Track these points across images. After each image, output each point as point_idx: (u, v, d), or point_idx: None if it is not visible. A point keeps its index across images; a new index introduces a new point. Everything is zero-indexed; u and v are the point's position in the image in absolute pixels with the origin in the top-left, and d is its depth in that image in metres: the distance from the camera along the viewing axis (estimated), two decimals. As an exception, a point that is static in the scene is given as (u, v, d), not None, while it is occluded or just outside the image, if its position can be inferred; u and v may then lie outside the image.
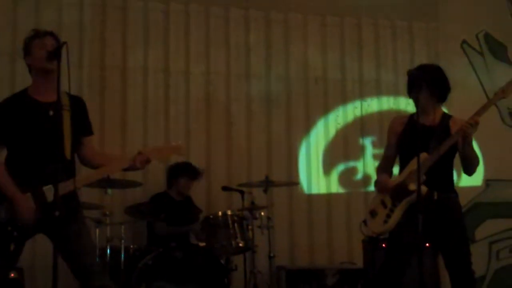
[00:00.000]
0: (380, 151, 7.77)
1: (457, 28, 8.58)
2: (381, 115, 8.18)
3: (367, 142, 8.20)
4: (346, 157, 8.17)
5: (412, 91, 4.94)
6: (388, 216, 4.88)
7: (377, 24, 8.44)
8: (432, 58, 8.33)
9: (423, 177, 4.65)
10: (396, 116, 5.46)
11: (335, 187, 8.09)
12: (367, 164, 8.10)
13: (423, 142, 4.73)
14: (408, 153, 4.85)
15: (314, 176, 8.03)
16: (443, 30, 8.51)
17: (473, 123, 4.65)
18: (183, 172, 7.11)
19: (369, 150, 8.17)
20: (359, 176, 8.18)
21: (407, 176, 4.82)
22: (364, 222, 5.07)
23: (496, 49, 8.73)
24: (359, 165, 8.18)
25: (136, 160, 4.42)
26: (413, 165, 4.69)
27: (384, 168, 5.15)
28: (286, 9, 8.18)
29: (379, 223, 4.93)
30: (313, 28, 8.26)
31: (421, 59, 8.24)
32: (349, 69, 8.29)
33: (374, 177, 7.89)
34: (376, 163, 7.86)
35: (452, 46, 8.53)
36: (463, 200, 7.96)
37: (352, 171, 8.17)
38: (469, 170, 4.94)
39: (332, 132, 8.18)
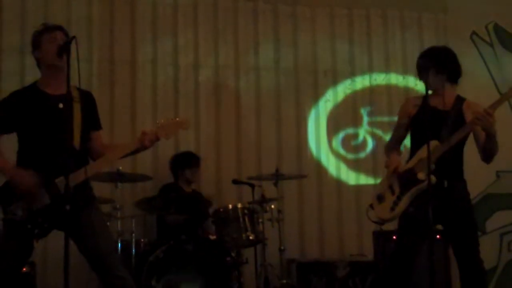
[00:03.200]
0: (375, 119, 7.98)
1: (467, 19, 8.54)
2: (389, 88, 8.31)
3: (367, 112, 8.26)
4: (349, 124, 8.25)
5: (420, 75, 4.94)
6: (395, 203, 4.85)
7: (386, 16, 8.41)
8: (441, 50, 8.30)
9: (432, 166, 4.64)
10: (410, 97, 5.40)
11: (340, 151, 8.12)
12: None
13: (435, 127, 4.74)
14: (420, 138, 4.82)
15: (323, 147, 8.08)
16: (452, 21, 8.48)
17: (482, 116, 4.59)
18: (185, 163, 7.14)
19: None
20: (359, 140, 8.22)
21: (417, 164, 4.82)
22: (371, 206, 5.02)
23: (506, 40, 8.70)
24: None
25: (143, 139, 4.40)
26: (423, 152, 4.67)
27: (392, 148, 5.13)
28: (294, 2, 8.16)
29: (386, 209, 4.89)
30: (321, 21, 8.24)
31: (431, 50, 8.23)
32: (358, 61, 8.28)
33: (370, 141, 8.08)
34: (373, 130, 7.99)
35: (462, 37, 8.49)
36: (474, 191, 7.99)
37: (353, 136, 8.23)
38: (487, 159, 4.93)
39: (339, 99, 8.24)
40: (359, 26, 8.33)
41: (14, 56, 7.12)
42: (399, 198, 4.85)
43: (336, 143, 8.11)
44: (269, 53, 8.03)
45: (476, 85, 8.12)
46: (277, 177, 6.93)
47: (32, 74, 4.68)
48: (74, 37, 4.07)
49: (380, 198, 4.98)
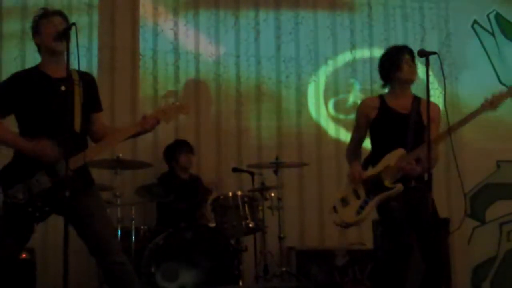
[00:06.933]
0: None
1: (468, 9, 8.52)
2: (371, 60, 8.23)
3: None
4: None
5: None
6: (362, 207, 4.92)
7: (387, 5, 8.39)
8: (443, 39, 8.30)
9: (398, 175, 4.84)
10: (366, 98, 5.50)
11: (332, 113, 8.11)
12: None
13: (400, 132, 4.88)
14: (383, 144, 4.96)
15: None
16: (454, 11, 8.46)
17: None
18: (179, 149, 7.11)
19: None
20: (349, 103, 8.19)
21: (383, 171, 4.89)
22: (334, 208, 5.08)
23: (507, 29, 8.67)
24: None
25: (144, 123, 4.43)
26: (389, 159, 4.86)
27: (354, 152, 5.19)
28: (296, -10, 8.16)
29: (351, 213, 4.97)
30: (322, 9, 8.22)
31: (432, 39, 8.23)
32: (359, 50, 8.26)
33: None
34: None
35: (463, 27, 8.48)
36: (474, 181, 8.06)
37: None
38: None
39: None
40: (360, 15, 8.30)
41: (14, 42, 7.12)
42: (366, 202, 4.92)
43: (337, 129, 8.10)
44: (269, 40, 8.00)
45: (477, 74, 8.15)
46: (277, 165, 6.94)
47: (33, 62, 4.67)
48: (73, 23, 4.06)
49: (343, 201, 5.04)
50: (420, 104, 4.99)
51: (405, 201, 4.84)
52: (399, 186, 4.84)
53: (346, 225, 5.11)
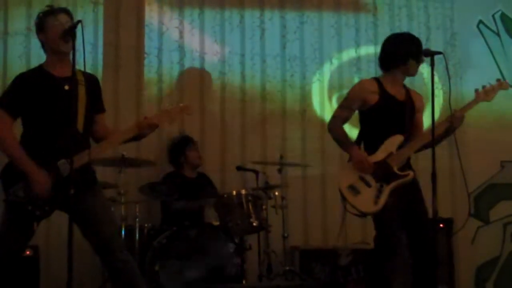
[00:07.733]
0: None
1: (473, 8, 8.50)
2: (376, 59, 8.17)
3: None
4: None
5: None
6: (378, 196, 4.84)
7: (393, 4, 8.37)
8: (448, 38, 8.29)
9: (403, 161, 4.90)
10: (364, 82, 5.31)
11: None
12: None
13: (400, 119, 4.93)
14: (381, 130, 4.95)
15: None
16: (459, 10, 8.44)
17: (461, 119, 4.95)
18: (185, 144, 7.12)
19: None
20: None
21: (388, 157, 4.88)
22: (343, 197, 4.95)
23: (512, 29, 8.67)
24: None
25: (143, 125, 4.45)
26: (389, 146, 4.88)
27: (342, 129, 5.11)
28: (301, -12, 8.15)
29: (368, 203, 4.86)
30: (327, 8, 8.21)
31: (437, 39, 8.21)
32: (364, 49, 8.25)
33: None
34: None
35: (468, 26, 8.46)
36: (478, 181, 8.05)
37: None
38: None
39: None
40: (365, 15, 8.29)
41: (19, 40, 7.12)
42: (380, 192, 4.85)
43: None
44: (274, 39, 8.00)
45: (482, 74, 8.11)
46: (282, 164, 6.93)
47: (38, 59, 4.68)
48: (80, 21, 4.06)
49: (353, 190, 4.91)
50: (410, 92, 5.11)
51: (399, 196, 4.85)
52: (411, 174, 4.87)
53: (363, 215, 4.98)
